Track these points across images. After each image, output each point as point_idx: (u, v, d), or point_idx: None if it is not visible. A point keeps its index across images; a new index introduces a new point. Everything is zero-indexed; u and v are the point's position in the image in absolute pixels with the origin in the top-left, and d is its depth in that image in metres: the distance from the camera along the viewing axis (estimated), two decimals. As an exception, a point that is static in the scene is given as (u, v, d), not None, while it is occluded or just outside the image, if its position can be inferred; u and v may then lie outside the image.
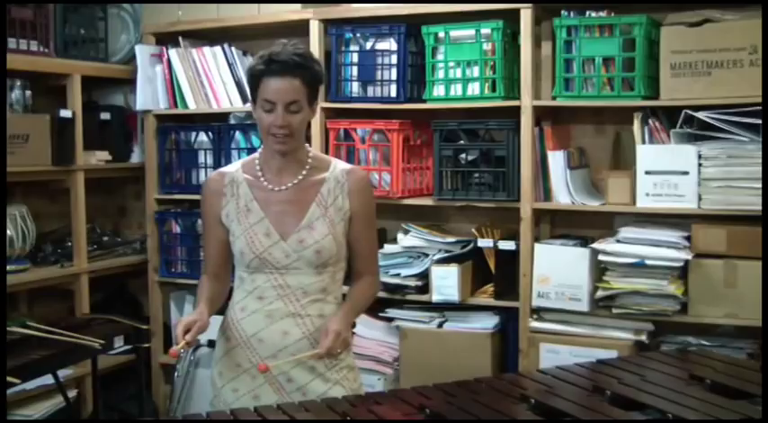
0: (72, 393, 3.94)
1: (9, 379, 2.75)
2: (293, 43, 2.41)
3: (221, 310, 2.60)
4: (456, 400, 2.17)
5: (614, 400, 2.16)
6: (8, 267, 3.85)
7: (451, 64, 3.63)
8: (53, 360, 3.10)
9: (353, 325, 3.75)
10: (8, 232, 3.84)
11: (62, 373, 3.67)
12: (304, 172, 2.49)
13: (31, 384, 3.56)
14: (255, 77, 2.37)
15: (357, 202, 2.51)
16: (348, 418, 2.02)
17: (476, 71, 3.60)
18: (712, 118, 3.21)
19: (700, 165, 3.25)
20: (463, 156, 3.67)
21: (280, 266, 2.43)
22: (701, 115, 3.23)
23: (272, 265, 2.44)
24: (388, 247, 3.77)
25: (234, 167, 2.56)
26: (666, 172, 3.30)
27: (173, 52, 4.20)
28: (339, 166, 2.54)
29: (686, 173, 3.26)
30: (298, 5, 3.96)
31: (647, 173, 3.33)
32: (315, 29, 3.85)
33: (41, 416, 3.76)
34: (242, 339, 2.49)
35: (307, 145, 2.55)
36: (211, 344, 4.09)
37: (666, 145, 3.34)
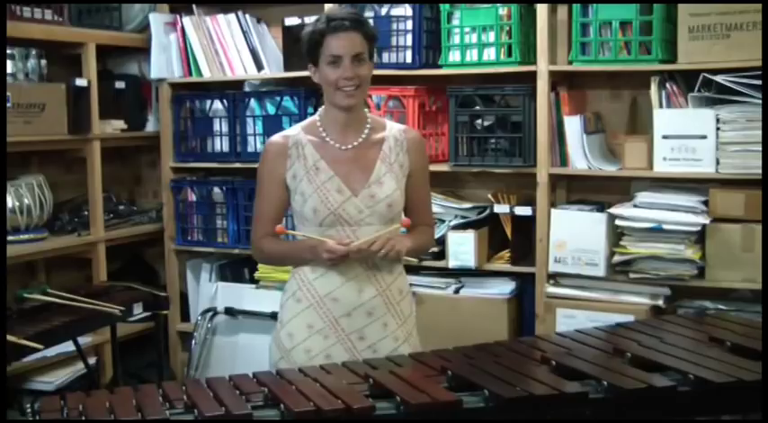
0: (92, 361, 3.97)
1: (31, 344, 2.78)
2: (343, 6, 2.48)
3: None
4: (477, 362, 2.18)
5: (635, 361, 2.17)
6: (26, 236, 3.88)
7: (467, 29, 3.61)
8: (74, 326, 3.15)
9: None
10: (26, 201, 3.86)
11: (81, 340, 3.70)
12: (366, 131, 2.58)
13: (51, 351, 3.60)
14: (318, 36, 2.45)
15: (416, 158, 2.63)
16: (371, 380, 2.03)
17: (491, 36, 3.58)
18: (731, 81, 3.19)
19: (718, 129, 3.23)
20: (479, 121, 3.66)
21: (353, 222, 2.50)
22: (719, 79, 3.21)
23: (345, 220, 2.50)
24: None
25: (294, 131, 2.60)
26: (684, 136, 3.28)
27: (187, 20, 4.18)
28: (394, 126, 2.66)
29: (704, 137, 3.25)
30: (313, -28, 3.93)
31: (664, 137, 3.32)
32: (330, -5, 3.83)
33: (62, 382, 3.80)
34: (314, 299, 2.53)
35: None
36: (229, 311, 4.12)
37: (684, 109, 3.32)
